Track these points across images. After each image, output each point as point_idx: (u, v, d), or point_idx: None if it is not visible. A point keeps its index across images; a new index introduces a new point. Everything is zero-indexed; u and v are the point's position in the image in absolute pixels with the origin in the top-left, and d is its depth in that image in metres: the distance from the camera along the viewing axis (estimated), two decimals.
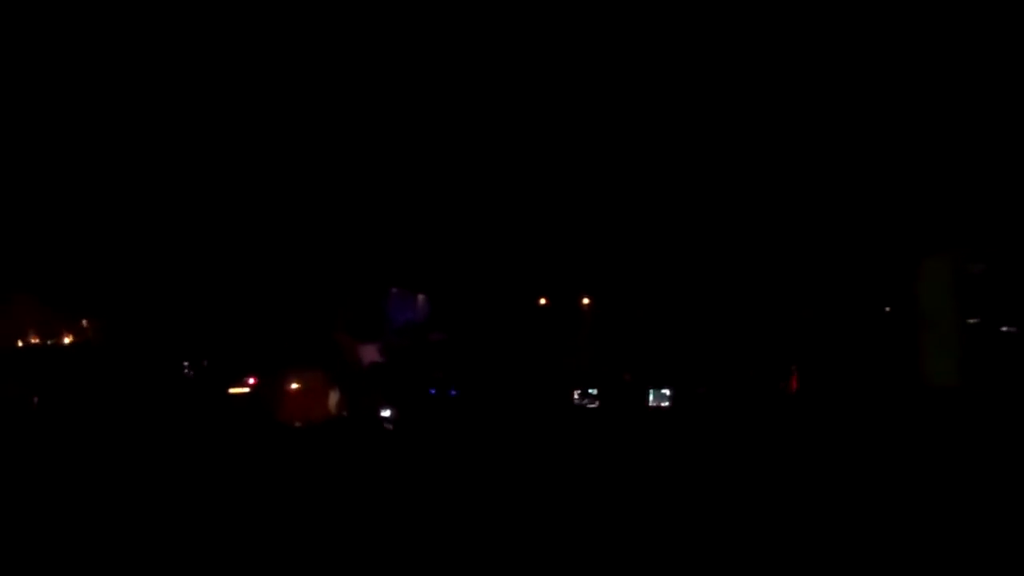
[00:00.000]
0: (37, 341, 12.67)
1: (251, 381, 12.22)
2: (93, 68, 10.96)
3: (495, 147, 11.93)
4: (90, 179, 12.07)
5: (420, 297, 11.20)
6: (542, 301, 12.59)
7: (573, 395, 11.59)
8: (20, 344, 12.51)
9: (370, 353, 11.90)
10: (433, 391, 11.53)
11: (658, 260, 11.75)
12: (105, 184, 12.04)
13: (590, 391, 11.54)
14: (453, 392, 11.36)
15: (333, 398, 12.07)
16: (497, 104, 12.04)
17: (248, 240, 12.11)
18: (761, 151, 11.38)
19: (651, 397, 11.38)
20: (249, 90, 11.52)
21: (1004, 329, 10.91)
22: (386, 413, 11.11)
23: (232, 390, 12.20)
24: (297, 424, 11.98)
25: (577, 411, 11.58)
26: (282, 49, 11.09)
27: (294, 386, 12.12)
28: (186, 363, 12.05)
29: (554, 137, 11.77)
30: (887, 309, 11.32)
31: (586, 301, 12.53)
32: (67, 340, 12.71)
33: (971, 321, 10.87)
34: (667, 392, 11.15)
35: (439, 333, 11.43)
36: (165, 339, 12.28)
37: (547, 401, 11.52)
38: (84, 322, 12.56)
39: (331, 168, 11.84)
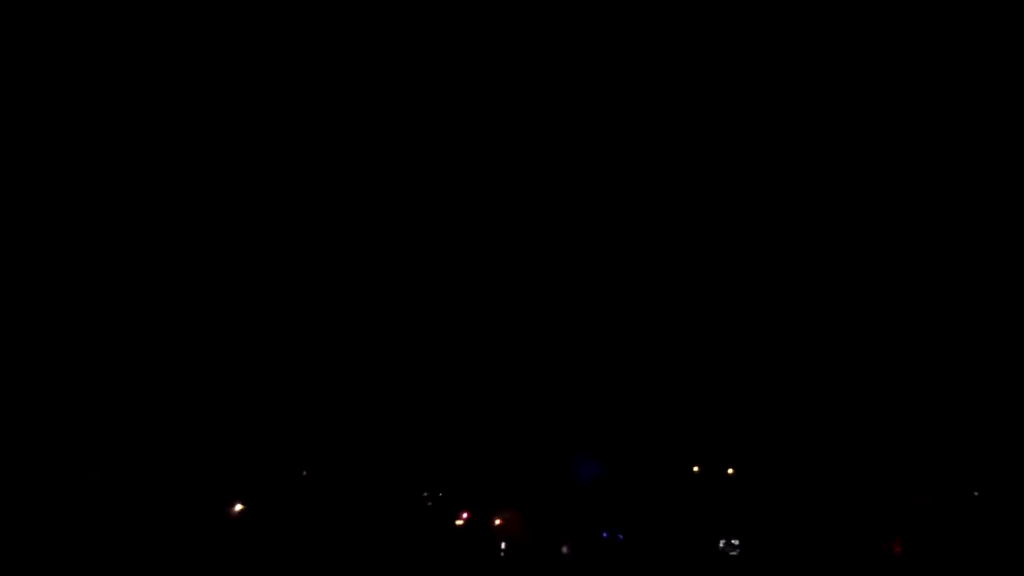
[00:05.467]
0: None
1: (464, 515, 17.13)
2: None
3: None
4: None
5: (596, 460, 16.66)
6: (695, 468, 17.54)
7: (719, 543, 16.16)
8: None
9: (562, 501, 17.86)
10: (605, 534, 16.66)
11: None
12: None
13: (733, 541, 15.92)
14: (620, 536, 16.17)
15: (527, 532, 17.98)
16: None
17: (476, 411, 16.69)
18: None
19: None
20: None
21: None
22: (564, 549, 15.87)
23: (457, 521, 16.99)
24: (503, 546, 17.19)
25: (721, 556, 16.55)
26: None
27: (499, 521, 17.18)
28: (426, 493, 16.17)
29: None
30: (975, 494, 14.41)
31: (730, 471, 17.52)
32: None
33: None
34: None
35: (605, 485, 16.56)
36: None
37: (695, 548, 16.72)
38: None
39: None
